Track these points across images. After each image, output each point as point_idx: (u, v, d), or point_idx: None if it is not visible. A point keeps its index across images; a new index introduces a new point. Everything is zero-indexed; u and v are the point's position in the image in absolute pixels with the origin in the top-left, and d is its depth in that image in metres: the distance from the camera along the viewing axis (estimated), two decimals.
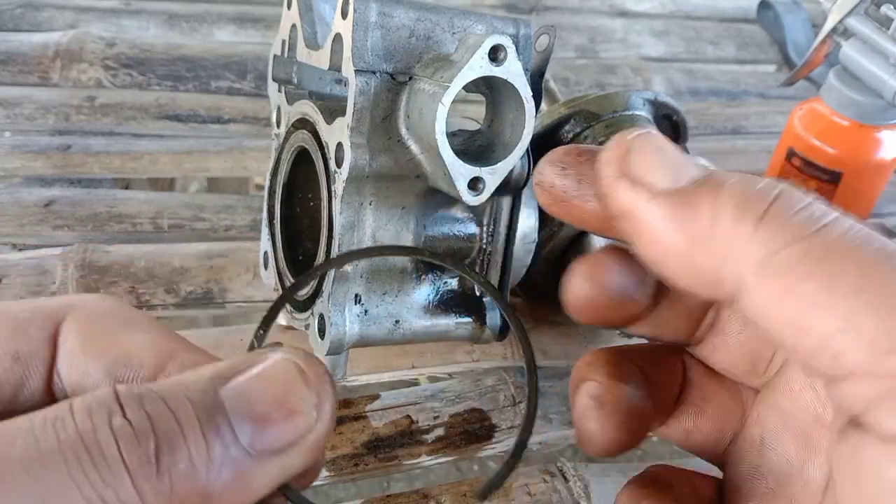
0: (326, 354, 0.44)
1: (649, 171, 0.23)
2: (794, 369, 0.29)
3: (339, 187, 0.42)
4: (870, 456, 0.20)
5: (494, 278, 0.48)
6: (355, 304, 0.44)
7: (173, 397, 0.20)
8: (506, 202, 0.47)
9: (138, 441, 0.19)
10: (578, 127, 0.56)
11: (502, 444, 0.53)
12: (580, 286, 0.28)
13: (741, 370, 0.31)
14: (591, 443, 0.29)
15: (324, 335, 0.44)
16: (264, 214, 0.53)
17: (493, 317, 0.48)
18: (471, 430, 0.54)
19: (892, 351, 0.19)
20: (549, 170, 0.28)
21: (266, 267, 0.53)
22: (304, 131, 0.47)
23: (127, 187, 0.72)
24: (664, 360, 0.32)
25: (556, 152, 0.29)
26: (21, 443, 0.18)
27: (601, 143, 0.55)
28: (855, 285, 0.20)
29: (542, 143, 0.56)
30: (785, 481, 0.27)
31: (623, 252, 0.28)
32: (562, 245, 0.55)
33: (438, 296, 0.47)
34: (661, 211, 0.23)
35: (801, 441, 0.28)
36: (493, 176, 0.41)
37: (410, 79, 0.42)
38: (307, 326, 0.46)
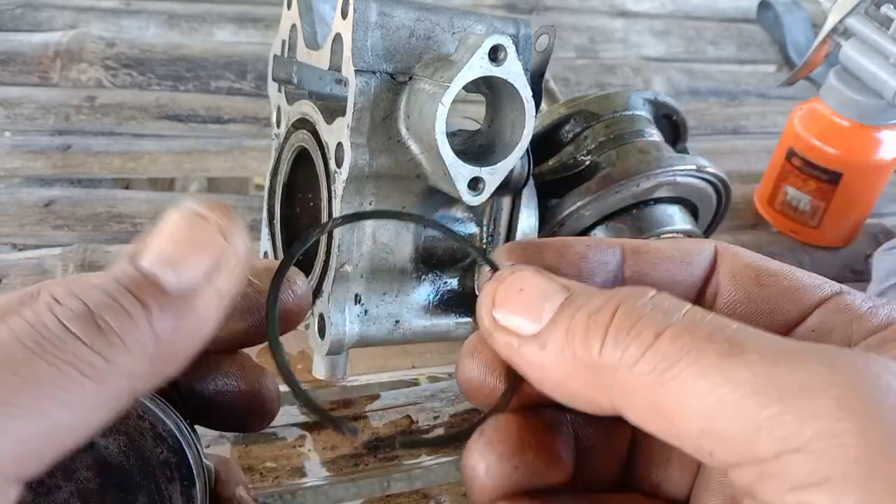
0: (326, 354, 0.44)
1: (514, 319, 0.25)
2: None
3: (339, 187, 0.42)
4: None
5: None
6: (355, 304, 0.44)
7: (102, 283, 0.23)
8: (506, 202, 0.47)
9: (79, 318, 0.22)
10: (578, 127, 0.56)
11: None
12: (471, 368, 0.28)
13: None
14: None
15: (324, 335, 0.44)
16: (264, 214, 0.53)
17: None
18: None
19: (752, 441, 0.20)
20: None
21: None
22: (304, 131, 0.47)
23: (127, 187, 0.72)
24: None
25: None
26: None
27: (601, 143, 0.55)
28: (702, 389, 0.21)
29: (542, 143, 0.56)
30: None
31: None
32: None
33: (438, 296, 0.47)
34: (530, 356, 0.25)
35: None
36: (493, 176, 0.41)
37: (410, 79, 0.42)
38: (307, 326, 0.46)
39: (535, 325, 0.24)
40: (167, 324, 0.23)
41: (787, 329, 0.27)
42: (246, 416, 0.32)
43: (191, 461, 0.29)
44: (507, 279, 0.26)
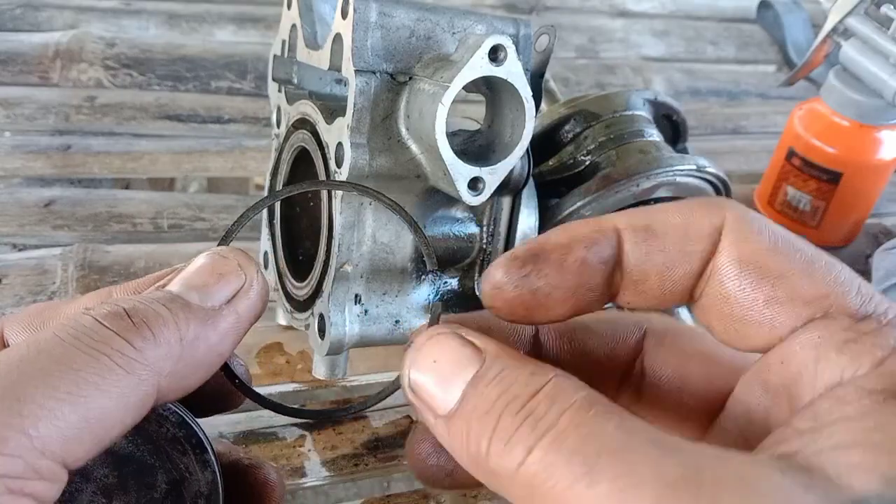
0: (326, 354, 0.44)
1: (429, 393, 0.26)
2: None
3: None
4: None
5: None
6: (355, 304, 0.44)
7: (132, 296, 0.27)
8: (506, 202, 0.47)
9: (119, 316, 0.25)
10: (578, 127, 0.56)
11: None
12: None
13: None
14: None
15: (324, 335, 0.44)
16: (264, 214, 0.53)
17: None
18: None
19: None
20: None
21: (266, 267, 0.53)
22: (304, 131, 0.47)
23: (127, 187, 0.72)
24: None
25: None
26: (25, 349, 0.24)
27: (601, 143, 0.55)
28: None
29: (542, 143, 0.56)
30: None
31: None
32: None
33: (438, 296, 0.47)
34: (441, 436, 0.26)
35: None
36: (493, 176, 0.41)
37: (410, 79, 0.42)
38: (307, 326, 0.46)
39: (446, 403, 0.25)
40: (191, 330, 0.26)
41: (761, 348, 0.27)
42: (219, 400, 0.34)
43: (197, 431, 0.30)
44: (423, 348, 0.26)
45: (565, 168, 0.56)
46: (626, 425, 0.22)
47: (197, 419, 0.31)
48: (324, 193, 0.44)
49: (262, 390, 0.56)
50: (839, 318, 0.25)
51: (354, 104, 0.40)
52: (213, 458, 0.31)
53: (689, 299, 0.28)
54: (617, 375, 0.31)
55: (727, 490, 0.20)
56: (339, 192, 0.42)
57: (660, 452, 0.21)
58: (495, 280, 0.27)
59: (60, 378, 0.23)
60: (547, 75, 0.49)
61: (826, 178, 0.70)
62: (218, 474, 0.31)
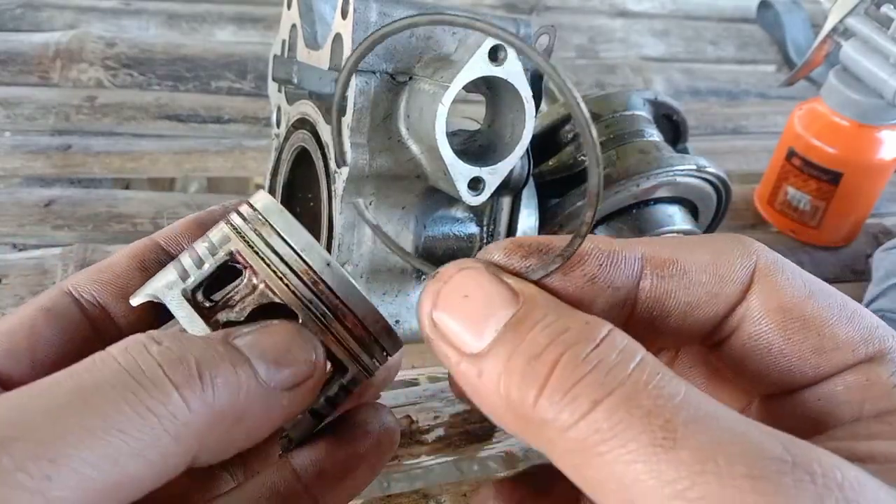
0: None
1: (455, 330, 0.23)
2: None
3: (339, 187, 0.42)
4: None
5: None
6: None
7: (200, 339, 0.23)
8: (506, 202, 0.47)
9: (180, 361, 0.22)
10: (578, 127, 0.56)
11: (502, 443, 0.53)
12: None
13: None
14: None
15: None
16: None
17: None
18: (471, 429, 0.54)
19: None
20: None
21: None
22: (304, 131, 0.47)
23: (127, 187, 0.72)
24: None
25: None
26: (68, 381, 0.21)
27: (601, 144, 0.55)
28: (625, 476, 0.19)
29: (542, 143, 0.56)
30: None
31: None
32: None
33: None
34: (467, 377, 0.22)
35: None
36: (493, 176, 0.41)
37: (410, 79, 0.42)
38: None
39: (476, 342, 0.22)
40: (249, 407, 0.23)
41: (801, 387, 0.26)
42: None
43: None
44: (453, 279, 0.23)
45: (565, 168, 0.56)
46: (697, 393, 0.20)
47: None
48: (324, 193, 0.44)
49: None
50: (885, 363, 0.24)
51: (354, 104, 0.40)
52: None
53: (706, 342, 0.27)
54: (697, 337, 0.27)
55: (843, 489, 0.18)
56: (340, 192, 0.42)
57: (751, 429, 0.19)
58: (491, 260, 0.25)
59: (97, 435, 0.20)
60: None
61: (826, 178, 0.70)
62: None
